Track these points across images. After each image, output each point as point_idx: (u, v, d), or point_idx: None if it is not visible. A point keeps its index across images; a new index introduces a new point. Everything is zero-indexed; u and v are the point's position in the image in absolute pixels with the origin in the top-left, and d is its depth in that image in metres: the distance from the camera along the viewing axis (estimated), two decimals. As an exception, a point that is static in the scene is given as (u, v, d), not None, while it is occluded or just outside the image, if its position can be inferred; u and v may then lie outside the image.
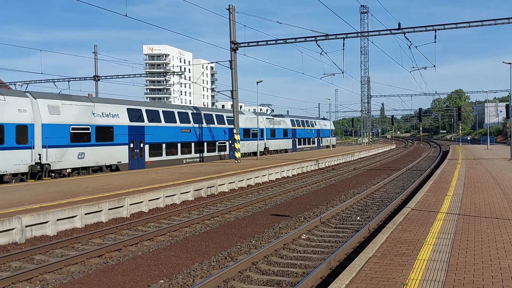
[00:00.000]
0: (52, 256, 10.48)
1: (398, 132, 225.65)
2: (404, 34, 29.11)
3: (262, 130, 46.21)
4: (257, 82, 37.97)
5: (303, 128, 58.16)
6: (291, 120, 54.93)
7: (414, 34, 29.07)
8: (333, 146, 67.49)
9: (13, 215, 11.76)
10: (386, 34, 29.71)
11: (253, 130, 43.73)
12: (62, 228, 12.91)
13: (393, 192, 20.53)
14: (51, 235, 12.39)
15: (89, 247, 11.23)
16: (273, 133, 49.17)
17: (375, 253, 8.11)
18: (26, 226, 11.88)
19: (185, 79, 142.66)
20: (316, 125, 64.00)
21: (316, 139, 63.40)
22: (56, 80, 45.67)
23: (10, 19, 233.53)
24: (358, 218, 14.53)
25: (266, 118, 48.34)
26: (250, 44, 31.91)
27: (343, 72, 34.08)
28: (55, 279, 8.74)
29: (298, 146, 56.17)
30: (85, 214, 13.72)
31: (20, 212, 12.22)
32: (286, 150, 52.20)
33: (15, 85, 47.39)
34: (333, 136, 71.86)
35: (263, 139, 46.59)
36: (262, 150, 45.96)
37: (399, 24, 28.81)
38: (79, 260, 9.90)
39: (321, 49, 30.68)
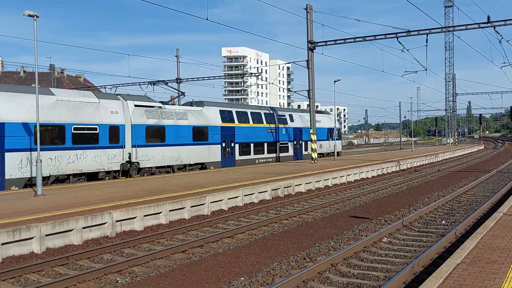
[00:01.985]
0: (140, 250, 11.07)
1: (487, 132, 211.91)
2: (494, 28, 27.32)
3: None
4: (335, 81, 37.45)
5: (250, 125, 33.33)
6: (220, 111, 31.21)
7: (505, 27, 27.18)
8: (338, 154, 43.70)
9: (105, 211, 12.57)
10: (474, 28, 27.99)
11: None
12: (149, 224, 13.59)
13: (482, 196, 19.31)
14: (139, 230, 13.09)
15: (173, 243, 11.72)
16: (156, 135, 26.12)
17: (463, 260, 7.69)
18: (117, 221, 12.65)
19: (262, 80, 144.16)
20: (291, 120, 38.81)
21: (291, 144, 38.47)
22: (142, 83, 48.11)
23: (100, 26, 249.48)
24: (444, 222, 13.85)
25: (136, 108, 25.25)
26: (328, 43, 31.56)
27: (426, 70, 32.80)
28: (143, 272, 9.22)
29: (240, 156, 32.35)
30: (169, 211, 14.33)
31: (111, 208, 13.03)
32: (202, 166, 28.95)
33: (105, 88, 50.62)
34: (337, 139, 44.72)
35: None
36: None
37: (488, 17, 27.08)
38: (165, 255, 10.36)
39: (402, 46, 29.65)
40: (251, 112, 34.25)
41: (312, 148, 33.01)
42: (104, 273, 8.97)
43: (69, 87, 69.88)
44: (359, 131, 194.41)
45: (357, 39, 30.87)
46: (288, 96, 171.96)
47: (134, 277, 8.95)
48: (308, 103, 35.02)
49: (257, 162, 33.89)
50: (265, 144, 35.09)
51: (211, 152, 29.84)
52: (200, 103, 30.97)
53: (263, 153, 34.72)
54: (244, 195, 17.71)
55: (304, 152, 40.30)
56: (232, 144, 31.53)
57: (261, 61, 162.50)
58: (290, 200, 18.18)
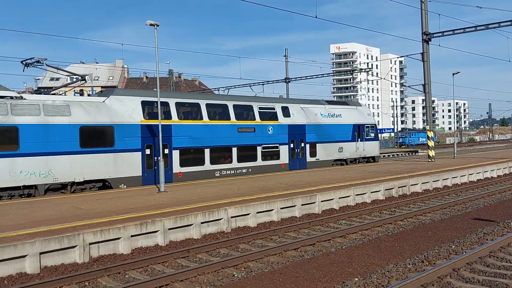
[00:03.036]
0: (254, 246, 11.41)
1: None
2: None
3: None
4: (453, 74, 35.07)
5: (203, 122, 23.11)
6: (143, 102, 21.38)
7: None
8: (374, 159, 32.79)
9: (221, 207, 13.17)
10: None
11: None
12: (261, 221, 13.95)
13: None
14: (252, 226, 13.50)
15: (286, 240, 11.89)
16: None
17: None
18: (231, 217, 13.18)
19: (373, 75, 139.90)
20: (286, 114, 27.19)
21: (284, 148, 26.66)
22: (252, 84, 49.46)
23: (214, 31, 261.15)
24: None
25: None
26: (445, 33, 29.62)
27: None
28: (257, 268, 9.49)
29: (182, 168, 22.09)
30: (281, 208, 14.56)
31: (226, 205, 13.60)
32: (105, 184, 19.94)
33: (218, 90, 52.93)
34: (371, 139, 32.59)
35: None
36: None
37: None
38: (277, 252, 10.56)
39: (532, 31, 26.56)
40: (207, 104, 23.43)
41: (428, 146, 31.25)
42: (221, 267, 9.39)
43: (185, 90, 74.30)
44: (482, 126, 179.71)
45: (478, 28, 28.56)
46: (401, 91, 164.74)
47: (249, 272, 9.25)
48: (423, 97, 32.56)
49: (217, 174, 23.18)
50: (234, 149, 24.04)
51: (122, 164, 19.86)
52: (108, 92, 21.19)
53: (230, 161, 23.88)
54: (356, 195, 17.36)
55: (309, 159, 27.94)
56: (166, 151, 21.41)
57: (371, 56, 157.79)
58: (405, 200, 17.42)
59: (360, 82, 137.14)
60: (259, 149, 25.39)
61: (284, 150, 26.66)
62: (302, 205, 15.23)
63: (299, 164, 27.67)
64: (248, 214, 13.62)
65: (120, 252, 10.68)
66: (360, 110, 32.57)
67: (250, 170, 24.78)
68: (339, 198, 16.64)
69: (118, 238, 10.74)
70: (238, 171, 24.29)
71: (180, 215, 12.08)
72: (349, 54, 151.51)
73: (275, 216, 14.35)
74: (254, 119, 25.49)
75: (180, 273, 8.83)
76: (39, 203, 15.31)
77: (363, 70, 57.05)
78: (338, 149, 29.93)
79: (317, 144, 28.57)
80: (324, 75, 51.44)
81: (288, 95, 50.19)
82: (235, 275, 9.04)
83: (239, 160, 24.38)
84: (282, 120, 26.75)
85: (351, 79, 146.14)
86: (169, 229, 11.74)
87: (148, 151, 20.83)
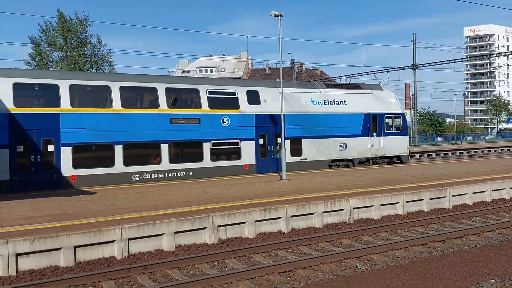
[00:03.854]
0: (378, 239, 11.08)
1: None
2: None
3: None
4: None
5: (114, 111, 17.70)
6: (16, 84, 16.21)
7: None
8: (399, 159, 25.12)
9: (342, 197, 13.01)
10: None
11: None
12: (385, 213, 13.48)
13: None
14: (376, 219, 13.12)
15: (412, 235, 11.34)
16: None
17: None
18: (354, 208, 12.94)
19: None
20: (254, 102, 20.84)
21: (248, 145, 20.46)
22: (376, 72, 47.85)
23: (336, 20, 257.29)
24: None
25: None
26: None
27: None
28: (381, 261, 9.21)
29: (77, 170, 16.86)
30: (407, 202, 13.92)
31: (348, 195, 13.39)
32: None
33: (340, 79, 52.15)
34: (395, 134, 24.64)
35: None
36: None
37: None
38: (403, 246, 10.13)
39: None
40: (122, 88, 18.06)
41: None
42: (344, 257, 9.29)
43: (307, 79, 74.49)
44: None
45: None
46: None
47: (373, 264, 9.02)
48: None
49: (135, 179, 17.90)
50: (164, 146, 18.47)
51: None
52: None
53: (158, 162, 18.44)
54: (492, 190, 15.91)
55: (290, 159, 20.85)
56: (51, 148, 16.56)
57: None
58: (552, 198, 15.54)
59: (499, 67, 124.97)
60: (206, 146, 19.33)
61: (248, 148, 20.34)
62: (430, 199, 14.39)
63: (273, 166, 21.04)
64: (371, 206, 13.25)
65: (245, 236, 11.13)
66: (378, 96, 24.41)
67: (191, 173, 19.03)
68: (473, 193, 15.38)
69: (244, 223, 11.19)
70: (170, 175, 18.61)
71: (302, 203, 12.18)
72: (486, 37, 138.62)
73: (401, 210, 13.76)
74: (200, 106, 19.53)
75: (303, 260, 8.93)
76: (171, 186, 16.56)
77: (502, 54, 51.70)
78: (338, 146, 22.67)
79: (303, 140, 21.72)
80: (457, 61, 47.84)
81: (415, 82, 47.62)
82: (358, 267, 8.88)
83: (173, 160, 18.68)
84: (246, 108, 20.40)
85: (488, 64, 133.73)
86: (291, 216, 11.92)
87: (22, 149, 16.15)
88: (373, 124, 23.84)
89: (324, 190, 14.51)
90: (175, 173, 18.84)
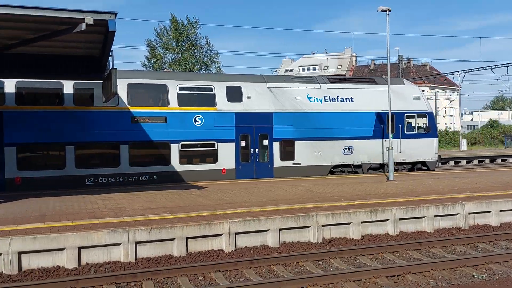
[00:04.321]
0: (497, 247, 10.22)
1: None
2: None
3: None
4: None
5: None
6: (18, 82, 16.04)
7: None
8: (425, 165, 21.61)
9: (456, 201, 12.19)
10: None
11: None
12: (506, 220, 12.39)
13: None
14: (494, 226, 12.11)
15: (538, 245, 10.30)
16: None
17: None
18: (469, 213, 12.06)
19: None
20: (232, 98, 18.68)
21: (218, 146, 18.35)
22: (494, 67, 44.12)
23: (448, 12, 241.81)
24: None
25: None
26: None
27: None
28: (501, 271, 8.47)
29: (23, 172, 16.06)
30: (531, 208, 12.65)
31: (463, 199, 12.52)
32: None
33: (452, 75, 48.97)
34: (421, 135, 21.13)
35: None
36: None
37: None
38: (527, 257, 9.22)
39: None
40: (76, 84, 16.71)
41: None
42: (458, 265, 8.70)
43: (415, 75, 71.09)
44: None
45: None
46: None
47: (492, 274, 8.33)
48: None
49: (89, 182, 16.85)
50: (124, 147, 17.11)
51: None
52: None
53: (116, 165, 17.02)
54: None
55: (279, 163, 19.16)
56: None
57: None
58: None
59: None
60: (174, 147, 17.68)
61: (226, 150, 18.35)
62: (559, 206, 12.93)
63: (258, 171, 18.91)
64: (489, 211, 12.25)
65: (350, 237, 10.90)
66: (396, 91, 20.68)
67: (155, 177, 17.47)
68: None
69: (349, 223, 10.98)
70: (131, 179, 17.15)
71: (411, 206, 11.63)
72: None
73: (523, 216, 12.55)
74: (167, 104, 17.85)
75: (413, 265, 8.52)
76: (276, 184, 16.78)
77: None
78: (342, 149, 19.99)
79: (296, 142, 19.33)
80: None
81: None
82: (475, 276, 8.25)
83: (133, 163, 17.23)
84: (224, 106, 18.37)
85: None
86: (399, 219, 11.43)
87: None
88: (391, 124, 19.49)
89: (435, 193, 13.73)
90: (137, 177, 17.25)
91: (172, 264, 9.04)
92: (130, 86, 17.33)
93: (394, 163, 19.57)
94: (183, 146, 17.84)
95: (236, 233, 9.98)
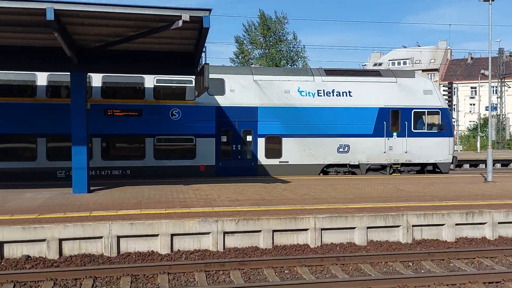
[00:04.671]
0: None
1: None
2: None
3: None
4: None
5: None
6: None
7: None
8: (436, 167, 19.24)
9: None
10: None
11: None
12: None
13: None
14: None
15: None
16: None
17: None
18: None
19: None
20: (207, 91, 14.95)
21: (196, 141, 17.53)
22: None
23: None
24: None
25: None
26: None
27: None
28: None
29: None
30: None
31: None
32: None
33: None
34: (432, 134, 18.97)
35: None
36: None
37: None
38: None
39: None
40: (50, 76, 16.59)
41: None
42: None
43: (518, 70, 65.57)
44: None
45: None
46: None
47: None
48: None
49: (60, 175, 16.60)
50: (96, 141, 16.76)
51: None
52: None
53: (89, 158, 14.12)
54: None
55: (265, 161, 18.02)
56: None
57: None
58: None
59: None
60: (149, 141, 17.12)
61: (205, 146, 17.43)
62: None
63: (239, 169, 17.91)
64: None
65: (443, 239, 10.36)
66: (404, 84, 19.01)
67: (129, 172, 16.99)
68: None
69: (442, 225, 10.44)
70: (103, 172, 16.78)
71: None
72: None
73: None
74: (143, 96, 17.20)
75: (513, 273, 7.93)
76: (363, 181, 16.39)
77: None
78: (337, 147, 18.44)
79: (283, 139, 18.14)
80: None
81: None
82: None
83: (106, 157, 16.89)
84: (204, 99, 17.15)
85: None
86: (499, 223, 10.66)
87: None
88: (393, 120, 18.76)
89: (540, 197, 12.62)
90: (109, 171, 16.91)
91: (258, 255, 9.19)
92: (105, 78, 17.02)
93: (398, 164, 18.85)
94: (158, 140, 17.31)
95: (322, 229, 9.90)
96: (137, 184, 15.00)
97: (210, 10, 9.96)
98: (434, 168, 19.34)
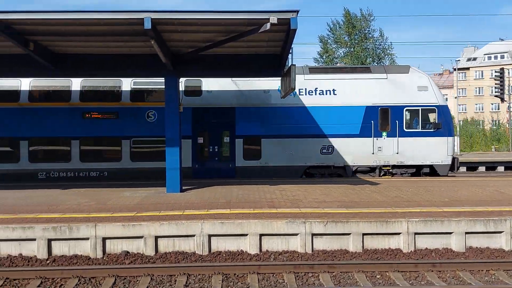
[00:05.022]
0: None
1: None
2: None
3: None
4: None
5: None
6: None
7: None
8: (431, 170, 17.06)
9: None
10: None
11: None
12: None
13: None
14: None
15: None
16: None
17: None
18: None
19: None
20: (183, 93, 16.43)
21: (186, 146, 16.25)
22: None
23: None
24: None
25: None
26: None
27: None
28: None
29: None
30: None
31: None
32: None
33: None
34: (426, 133, 17.27)
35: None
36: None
37: None
38: None
39: None
40: (33, 82, 17.31)
41: None
42: None
43: None
44: None
45: None
46: None
47: None
48: None
49: (42, 176, 17.31)
50: (75, 143, 17.41)
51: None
52: None
53: (68, 159, 17.45)
54: None
55: (243, 162, 17.55)
56: None
57: None
58: None
59: None
60: (125, 143, 17.27)
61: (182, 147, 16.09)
62: None
63: (217, 170, 17.54)
64: None
65: (552, 248, 9.47)
66: (395, 81, 17.80)
67: (106, 173, 17.25)
68: None
69: (551, 232, 9.54)
70: (81, 174, 17.20)
71: None
72: None
73: None
74: (120, 99, 17.29)
75: None
76: (459, 183, 15.46)
77: None
78: (320, 148, 17.59)
79: (263, 140, 17.57)
80: None
81: None
82: None
83: (84, 159, 17.27)
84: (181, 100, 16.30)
85: None
86: None
87: None
88: (382, 119, 17.63)
89: None
90: (87, 173, 17.30)
91: (348, 259, 9.01)
92: (83, 82, 17.41)
93: (389, 165, 17.71)
94: (134, 142, 17.45)
95: (415, 233, 9.48)
96: (225, 184, 15.39)
97: (297, 11, 9.95)
98: (432, 171, 18.01)
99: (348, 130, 17.60)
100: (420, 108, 17.76)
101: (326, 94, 17.69)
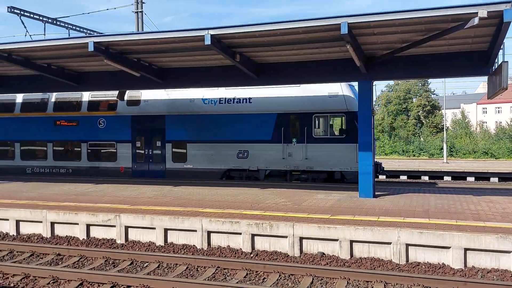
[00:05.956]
0: None
1: None
2: None
3: None
4: None
5: None
6: None
7: None
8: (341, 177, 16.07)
9: None
10: None
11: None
12: None
13: None
14: None
15: None
16: None
17: None
18: None
19: None
20: (126, 103, 20.10)
21: (117, 146, 20.27)
22: None
23: None
24: None
25: None
26: None
27: None
28: None
29: None
30: None
31: None
32: None
33: None
34: (334, 140, 17.31)
35: None
36: None
37: None
38: None
39: None
40: (24, 98, 21.92)
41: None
42: None
43: None
44: None
45: None
46: None
47: None
48: None
49: (28, 171, 21.69)
50: (50, 145, 21.44)
51: None
52: None
53: (46, 158, 21.58)
54: None
55: (172, 165, 19.33)
56: None
57: None
58: None
59: None
60: (84, 146, 20.65)
61: (124, 150, 19.99)
62: None
63: (152, 171, 19.55)
64: None
65: None
66: (307, 88, 17.51)
67: (71, 170, 20.85)
68: None
69: None
70: (54, 170, 21.06)
71: None
72: None
73: None
74: (80, 109, 20.57)
75: None
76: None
77: None
78: (237, 153, 18.36)
79: (188, 144, 19.05)
80: None
81: None
82: None
83: (56, 158, 21.13)
84: (123, 109, 19.89)
85: None
86: None
87: None
88: (292, 126, 17.90)
89: None
90: (58, 169, 21.01)
91: (450, 275, 7.83)
92: (57, 95, 20.96)
93: (299, 170, 17.81)
94: (90, 145, 20.49)
95: None
96: (421, 192, 14.60)
97: (511, 2, 8.87)
98: (342, 177, 17.47)
99: (260, 136, 18.32)
100: (329, 114, 17.80)
101: (243, 102, 18.67)
